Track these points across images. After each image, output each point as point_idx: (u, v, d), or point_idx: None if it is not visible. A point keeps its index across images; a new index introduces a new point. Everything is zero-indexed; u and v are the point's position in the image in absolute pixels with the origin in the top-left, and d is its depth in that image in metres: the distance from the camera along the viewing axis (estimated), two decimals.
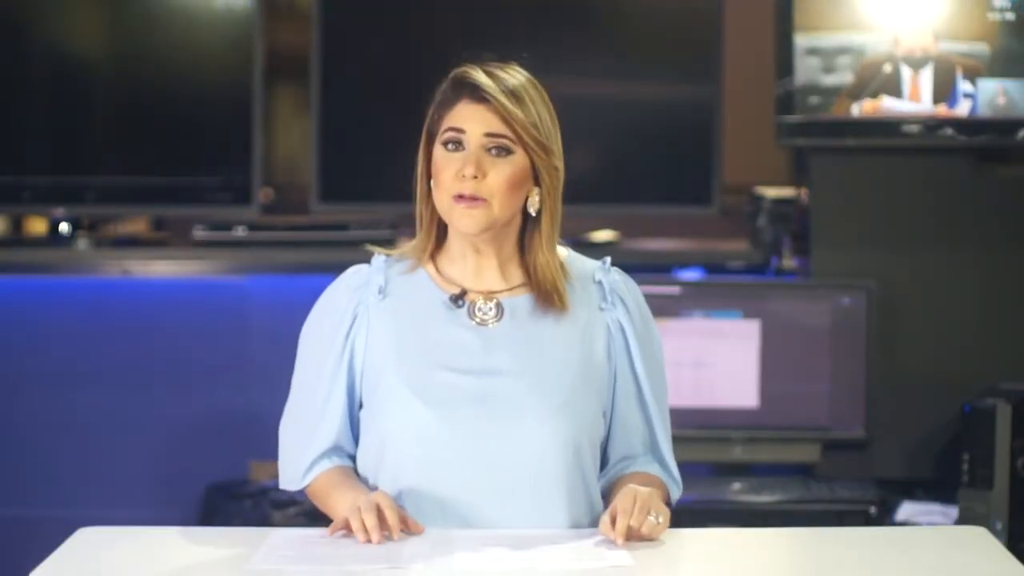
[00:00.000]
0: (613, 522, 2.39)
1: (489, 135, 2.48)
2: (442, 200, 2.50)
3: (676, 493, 2.62)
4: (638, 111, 4.33)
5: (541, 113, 2.51)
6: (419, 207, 2.57)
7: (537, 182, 2.51)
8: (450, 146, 2.49)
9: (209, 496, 4.36)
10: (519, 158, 2.49)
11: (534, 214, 2.53)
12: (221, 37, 4.36)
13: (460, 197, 2.48)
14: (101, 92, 4.37)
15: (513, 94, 2.49)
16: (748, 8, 4.45)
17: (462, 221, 2.49)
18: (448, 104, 2.51)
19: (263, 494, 4.26)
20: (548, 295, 2.54)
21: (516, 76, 2.52)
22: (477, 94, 2.48)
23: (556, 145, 2.53)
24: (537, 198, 2.52)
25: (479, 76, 2.49)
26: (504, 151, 2.49)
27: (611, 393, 2.57)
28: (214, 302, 4.57)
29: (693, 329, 4.10)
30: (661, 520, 2.42)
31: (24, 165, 4.37)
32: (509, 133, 2.48)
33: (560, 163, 2.53)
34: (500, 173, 2.48)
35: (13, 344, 4.55)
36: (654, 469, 2.60)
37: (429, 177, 2.54)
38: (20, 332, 4.55)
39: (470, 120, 2.48)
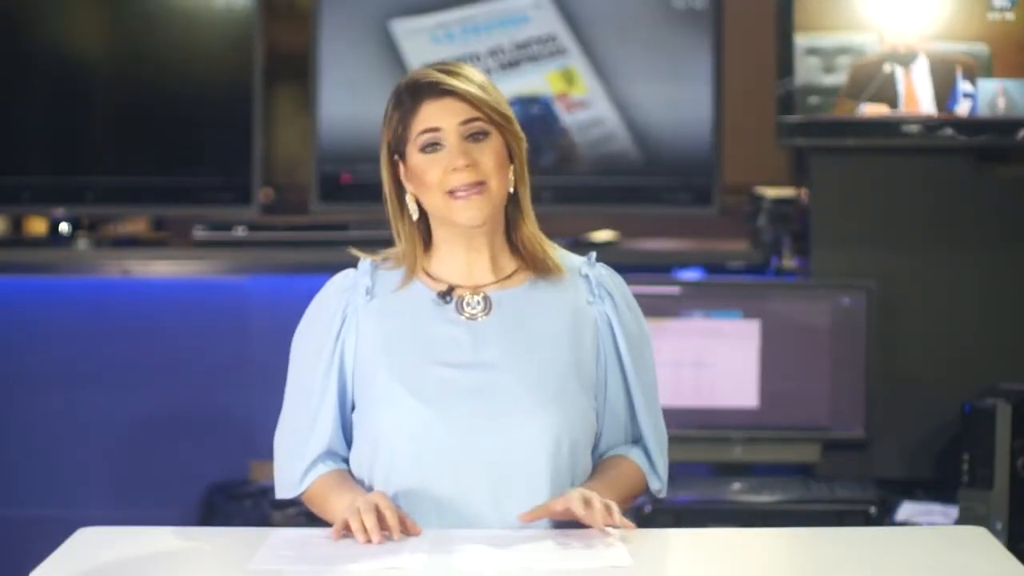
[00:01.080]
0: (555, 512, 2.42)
1: (464, 122, 2.51)
2: (435, 201, 2.52)
3: (655, 485, 2.63)
4: (635, 110, 4.33)
5: (497, 93, 2.55)
6: (395, 225, 2.59)
7: (511, 160, 2.54)
8: (428, 148, 2.52)
9: (209, 496, 4.36)
10: (495, 137, 2.53)
11: (512, 190, 2.55)
12: (221, 37, 4.36)
13: (454, 192, 2.49)
14: (101, 92, 4.37)
15: (468, 79, 2.53)
16: (748, 8, 4.45)
17: (465, 213, 2.50)
18: (411, 112, 2.53)
19: (263, 494, 4.26)
20: (541, 263, 2.57)
21: (464, 68, 2.56)
22: (438, 90, 2.51)
23: (514, 117, 2.57)
24: (513, 176, 2.54)
25: (435, 75, 2.53)
26: (482, 134, 2.52)
27: (601, 386, 2.58)
28: (214, 302, 4.57)
29: (693, 329, 4.10)
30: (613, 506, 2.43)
31: (24, 165, 4.37)
32: (480, 115, 2.51)
33: (522, 132, 2.58)
34: (488, 154, 2.51)
35: (13, 344, 4.55)
36: (636, 456, 2.61)
37: (398, 193, 2.56)
38: (20, 332, 4.55)
39: (441, 116, 2.51)
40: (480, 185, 2.50)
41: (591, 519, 2.40)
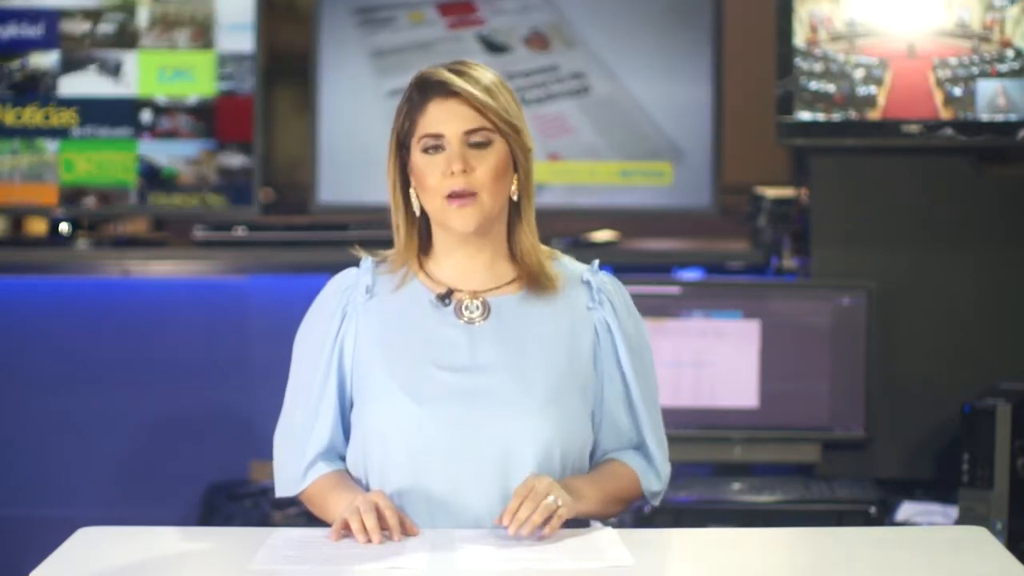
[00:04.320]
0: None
1: (468, 132, 2.50)
2: (433, 203, 2.52)
3: (656, 485, 2.62)
4: (639, 110, 4.33)
5: (507, 97, 2.54)
6: (395, 218, 2.59)
7: (515, 168, 2.53)
8: (430, 150, 2.51)
9: (209, 496, 4.36)
10: (499, 146, 2.52)
11: (516, 199, 2.54)
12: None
13: (451, 196, 2.49)
14: None
15: (479, 83, 2.51)
16: (748, 8, 4.45)
17: (457, 221, 2.50)
18: (418, 109, 2.52)
19: (263, 494, 4.26)
20: (536, 276, 2.57)
21: (475, 68, 2.54)
22: (446, 90, 2.50)
23: (524, 125, 2.56)
24: (516, 185, 2.53)
25: (444, 74, 2.52)
26: (485, 143, 2.51)
27: (599, 393, 2.58)
28: (214, 302, 4.57)
29: (693, 329, 4.10)
30: (560, 503, 2.40)
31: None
32: (486, 124, 2.50)
33: (531, 143, 2.56)
34: (486, 165, 2.50)
35: (13, 344, 4.55)
36: (632, 459, 2.60)
37: (403, 187, 2.56)
38: (20, 332, 4.55)
39: (445, 121, 2.50)
40: (472, 196, 2.49)
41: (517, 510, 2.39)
